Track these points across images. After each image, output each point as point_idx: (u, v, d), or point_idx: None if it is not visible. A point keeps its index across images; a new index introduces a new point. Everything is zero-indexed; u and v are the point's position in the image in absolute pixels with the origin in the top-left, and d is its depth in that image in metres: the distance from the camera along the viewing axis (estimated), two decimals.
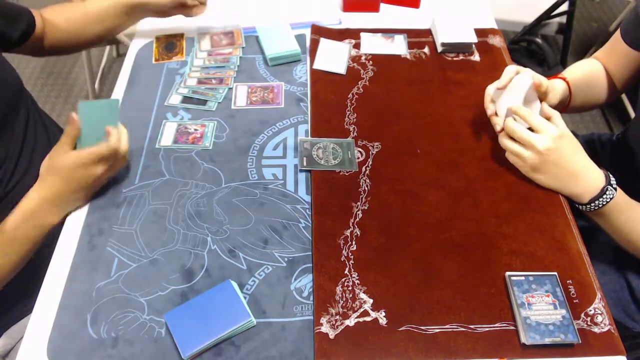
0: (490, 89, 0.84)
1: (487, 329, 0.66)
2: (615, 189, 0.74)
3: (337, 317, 0.67)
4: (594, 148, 1.05)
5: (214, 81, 0.98)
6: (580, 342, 0.64)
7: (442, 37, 1.03)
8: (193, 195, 0.80)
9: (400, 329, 0.66)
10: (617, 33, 0.89)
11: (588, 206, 0.75)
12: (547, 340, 0.64)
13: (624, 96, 1.92)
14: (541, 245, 0.75)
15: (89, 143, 0.74)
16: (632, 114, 1.56)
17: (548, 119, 0.77)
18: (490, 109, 0.83)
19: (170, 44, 1.05)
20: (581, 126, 2.02)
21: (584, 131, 1.96)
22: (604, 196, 0.73)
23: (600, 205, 0.74)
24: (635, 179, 0.87)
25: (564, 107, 0.90)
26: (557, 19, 2.07)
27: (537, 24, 2.03)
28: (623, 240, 0.78)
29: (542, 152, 0.74)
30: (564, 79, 0.89)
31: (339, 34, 1.07)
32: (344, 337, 0.65)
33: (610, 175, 0.75)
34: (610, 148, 1.04)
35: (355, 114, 0.92)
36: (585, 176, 0.75)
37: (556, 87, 0.86)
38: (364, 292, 0.69)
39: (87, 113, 0.75)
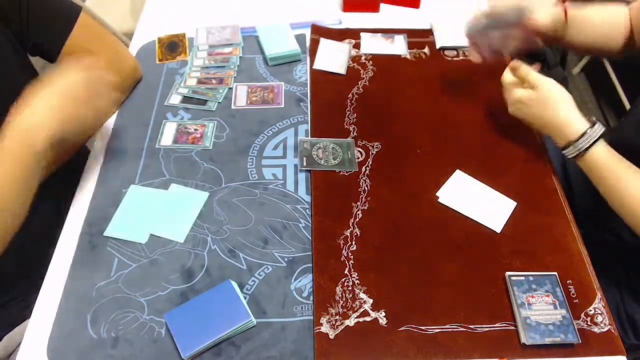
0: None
1: (487, 329, 0.66)
2: (582, 150, 0.73)
3: (337, 317, 0.67)
4: None
5: (214, 81, 0.98)
6: (580, 342, 0.64)
7: (439, 41, 1.05)
8: None
9: (400, 329, 0.66)
10: None
11: (565, 151, 0.76)
12: (547, 340, 0.64)
13: (623, 96, 1.92)
14: (541, 245, 0.75)
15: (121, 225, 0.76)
16: None
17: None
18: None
19: (172, 43, 1.05)
20: None
21: None
22: (578, 143, 0.73)
23: (575, 153, 0.74)
24: None
25: (557, 38, 0.87)
26: None
27: None
28: (610, 198, 0.75)
29: (511, 114, 0.81)
30: (565, 9, 0.86)
31: (339, 34, 1.07)
32: (344, 337, 0.65)
33: (598, 125, 0.74)
34: None
35: (355, 114, 0.92)
36: (553, 128, 0.76)
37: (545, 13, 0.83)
38: (364, 292, 0.69)
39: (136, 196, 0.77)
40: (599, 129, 0.74)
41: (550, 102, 0.77)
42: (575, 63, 2.18)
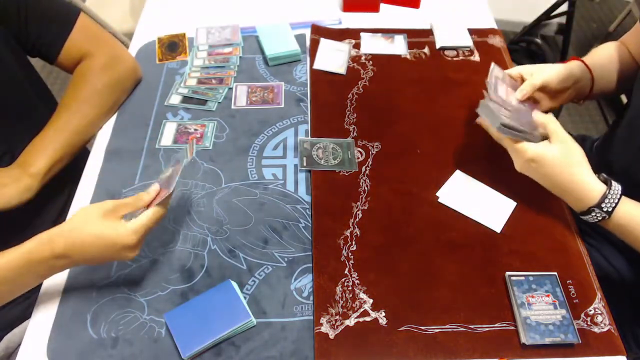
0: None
1: (487, 329, 0.66)
2: (608, 213, 0.68)
3: (337, 317, 0.67)
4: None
5: (214, 81, 0.98)
6: (580, 342, 0.64)
7: (439, 41, 1.05)
8: (193, 195, 0.80)
9: (400, 329, 0.66)
10: None
11: (587, 216, 0.71)
12: (547, 340, 0.64)
13: (623, 95, 1.92)
14: (541, 245, 0.75)
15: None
16: None
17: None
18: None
19: (172, 43, 1.05)
20: (580, 126, 2.02)
21: (583, 131, 1.96)
22: (591, 215, 0.70)
23: (600, 218, 0.70)
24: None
25: (587, 92, 0.85)
26: (557, 20, 2.07)
27: (537, 24, 2.03)
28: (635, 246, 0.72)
29: (519, 171, 0.74)
30: (582, 61, 0.84)
31: (339, 34, 1.07)
32: (344, 337, 0.65)
33: (613, 182, 0.69)
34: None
35: (355, 114, 0.92)
36: (571, 193, 0.71)
37: (556, 71, 0.80)
38: (364, 292, 0.69)
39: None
40: (617, 186, 0.69)
41: (568, 163, 0.70)
42: None
